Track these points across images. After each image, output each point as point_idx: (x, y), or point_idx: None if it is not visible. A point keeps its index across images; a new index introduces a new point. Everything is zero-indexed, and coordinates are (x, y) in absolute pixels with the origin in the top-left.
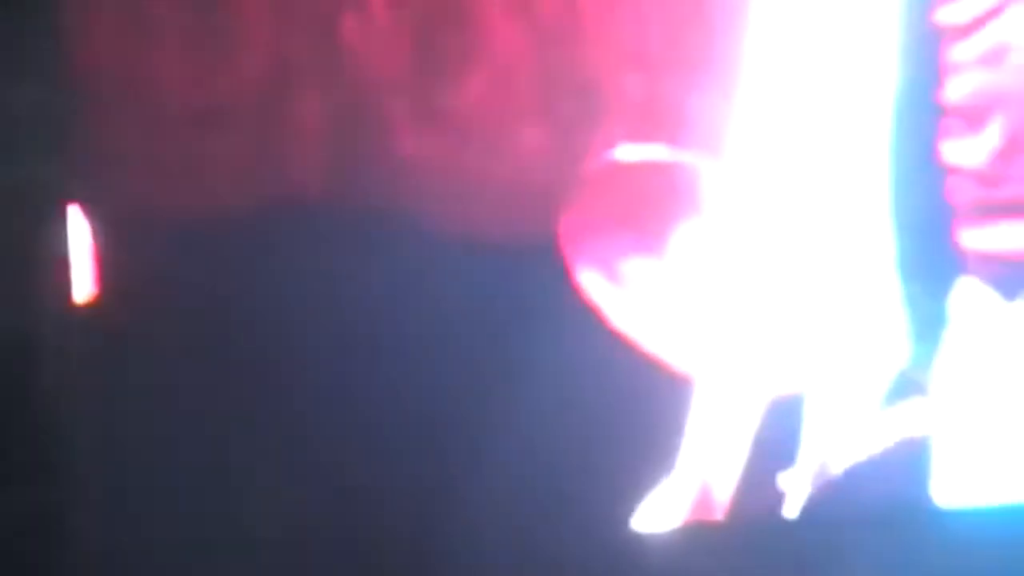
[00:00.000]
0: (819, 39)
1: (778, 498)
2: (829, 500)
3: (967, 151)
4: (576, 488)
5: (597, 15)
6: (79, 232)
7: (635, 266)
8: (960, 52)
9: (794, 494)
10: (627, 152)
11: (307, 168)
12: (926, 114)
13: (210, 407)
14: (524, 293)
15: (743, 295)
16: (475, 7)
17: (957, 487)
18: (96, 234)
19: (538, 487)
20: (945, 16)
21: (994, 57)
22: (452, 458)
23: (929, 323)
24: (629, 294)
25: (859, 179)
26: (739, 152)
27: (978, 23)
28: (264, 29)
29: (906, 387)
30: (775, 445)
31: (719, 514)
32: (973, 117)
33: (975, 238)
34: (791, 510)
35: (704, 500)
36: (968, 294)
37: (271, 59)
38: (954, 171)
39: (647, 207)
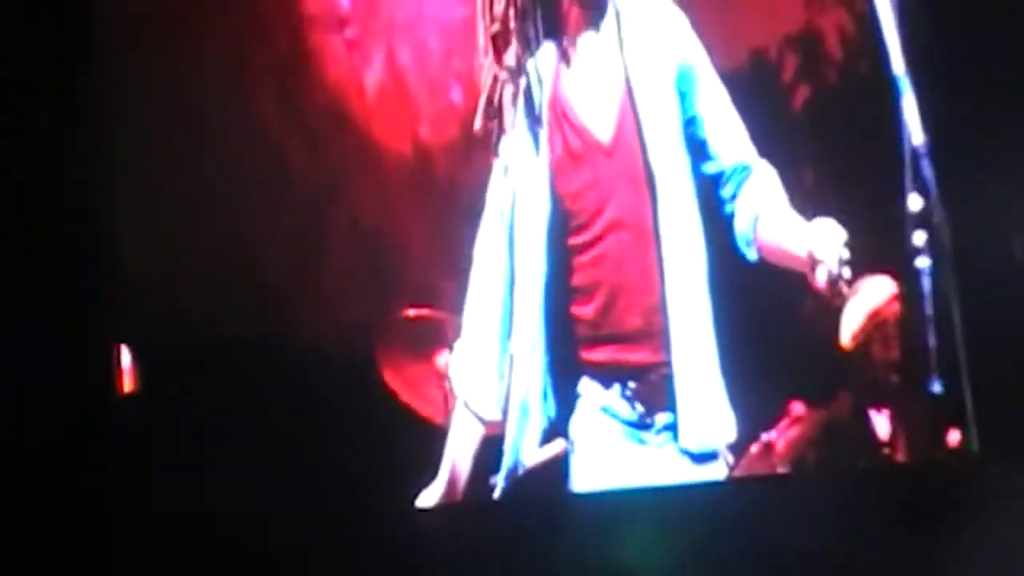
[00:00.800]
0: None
1: (493, 487)
2: (518, 490)
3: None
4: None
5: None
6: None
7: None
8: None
9: (502, 485)
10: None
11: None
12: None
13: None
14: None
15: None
16: None
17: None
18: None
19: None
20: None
21: (599, 259)
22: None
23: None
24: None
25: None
26: None
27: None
28: None
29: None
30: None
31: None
32: (585, 292)
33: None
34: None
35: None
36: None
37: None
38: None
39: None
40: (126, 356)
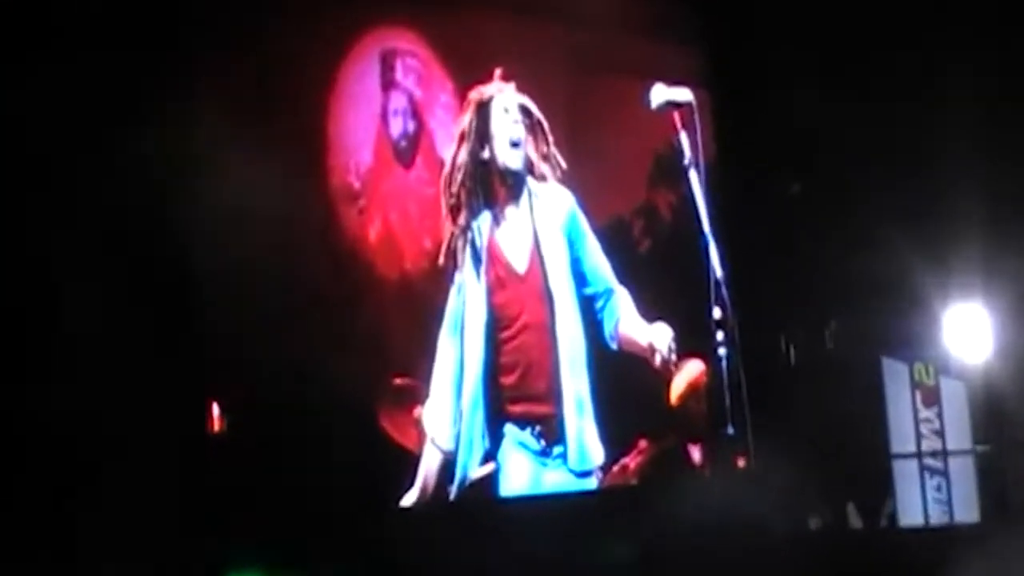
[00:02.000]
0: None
1: (449, 493)
2: (466, 495)
3: (506, 379)
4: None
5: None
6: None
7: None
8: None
9: (455, 491)
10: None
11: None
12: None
13: None
14: None
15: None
16: None
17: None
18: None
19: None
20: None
21: (517, 348)
22: None
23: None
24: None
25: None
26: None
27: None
28: None
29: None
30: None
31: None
32: (509, 368)
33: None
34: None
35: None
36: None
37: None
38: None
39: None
40: (216, 409)
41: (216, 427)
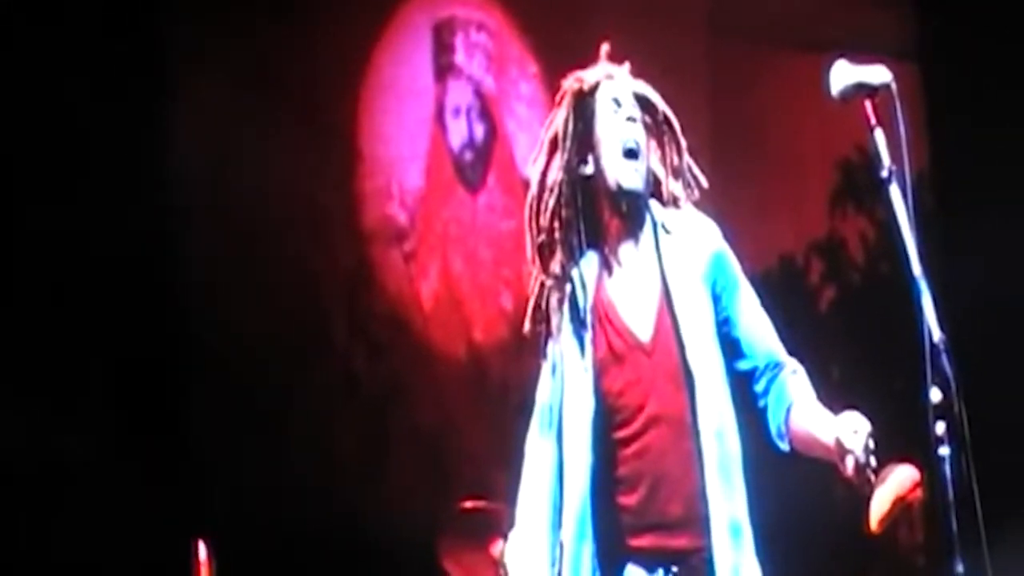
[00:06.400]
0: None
1: None
2: None
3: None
4: None
5: None
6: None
7: None
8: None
9: None
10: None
11: None
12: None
13: None
14: None
15: None
16: None
17: None
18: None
19: None
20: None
21: (642, 451)
22: None
23: None
24: None
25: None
26: None
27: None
28: None
29: None
30: None
31: None
32: (629, 483)
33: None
34: None
35: None
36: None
37: None
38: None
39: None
40: (203, 550)
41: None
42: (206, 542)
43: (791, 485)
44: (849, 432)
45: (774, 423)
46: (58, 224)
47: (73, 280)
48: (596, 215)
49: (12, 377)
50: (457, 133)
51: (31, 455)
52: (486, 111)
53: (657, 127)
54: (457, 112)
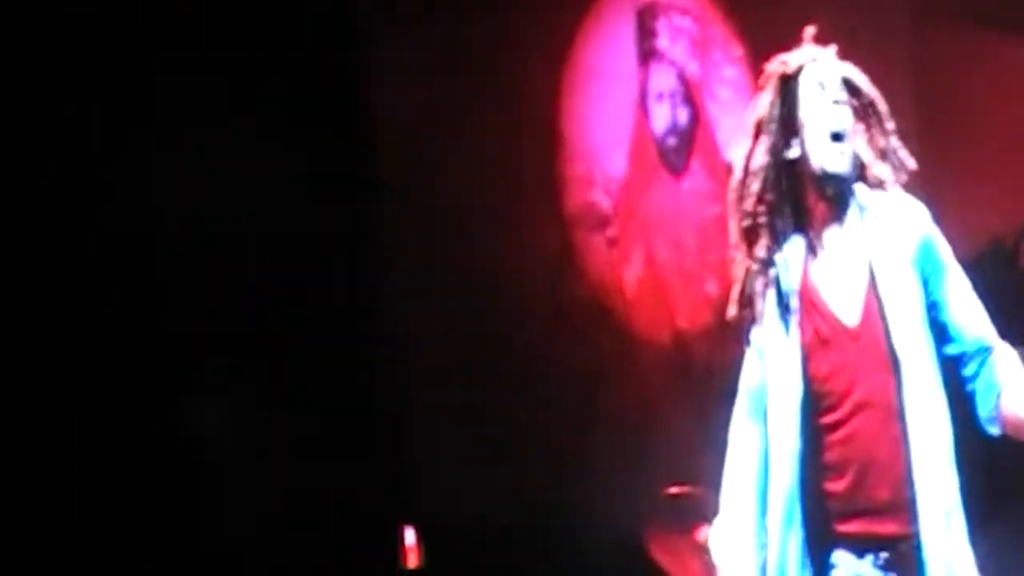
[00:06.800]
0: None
1: None
2: None
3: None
4: None
5: None
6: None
7: None
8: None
9: None
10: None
11: None
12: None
13: None
14: None
15: None
16: None
17: None
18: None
19: None
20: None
21: (849, 437)
22: None
23: None
24: None
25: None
26: None
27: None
28: None
29: None
30: None
31: None
32: (837, 469)
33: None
34: None
35: None
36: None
37: None
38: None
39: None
40: (410, 536)
41: (410, 562)
42: (414, 528)
43: (1003, 471)
44: None
45: (984, 407)
46: (270, 204)
47: (282, 259)
48: (801, 199)
49: (227, 367)
50: (661, 118)
51: (244, 440)
52: (689, 96)
53: (863, 110)
54: (660, 97)
